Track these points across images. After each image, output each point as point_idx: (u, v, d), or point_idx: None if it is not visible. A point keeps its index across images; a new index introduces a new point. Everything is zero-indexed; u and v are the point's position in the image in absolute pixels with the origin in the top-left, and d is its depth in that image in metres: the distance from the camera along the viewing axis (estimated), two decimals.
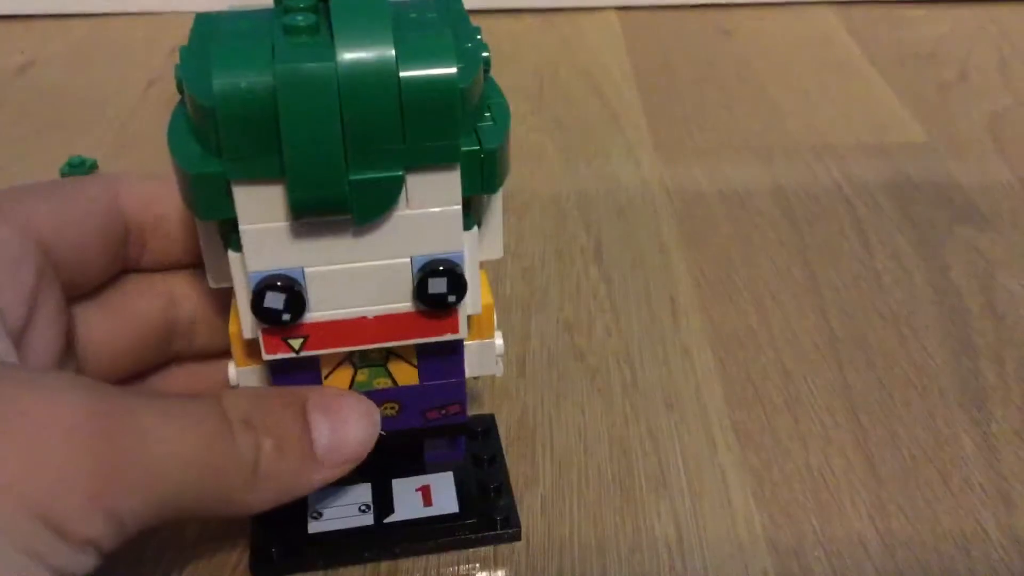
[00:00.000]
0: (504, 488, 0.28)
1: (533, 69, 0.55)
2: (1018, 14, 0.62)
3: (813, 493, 0.28)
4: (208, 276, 0.24)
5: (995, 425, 0.31)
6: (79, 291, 0.25)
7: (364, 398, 0.24)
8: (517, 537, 0.27)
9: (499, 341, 0.26)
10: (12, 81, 0.55)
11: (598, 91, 0.53)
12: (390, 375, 0.25)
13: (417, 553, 0.26)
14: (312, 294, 0.22)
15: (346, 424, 0.23)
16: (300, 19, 0.19)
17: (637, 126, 0.49)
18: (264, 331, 0.22)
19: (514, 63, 0.55)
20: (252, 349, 0.24)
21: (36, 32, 0.60)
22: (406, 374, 0.25)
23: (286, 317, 0.21)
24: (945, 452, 0.30)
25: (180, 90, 0.21)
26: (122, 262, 0.26)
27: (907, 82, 0.54)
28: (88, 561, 0.19)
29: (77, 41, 0.59)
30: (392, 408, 0.25)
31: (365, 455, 0.23)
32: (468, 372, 0.25)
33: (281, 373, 0.24)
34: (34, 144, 0.48)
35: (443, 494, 0.27)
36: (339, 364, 0.24)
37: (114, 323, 0.26)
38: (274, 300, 0.21)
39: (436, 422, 0.26)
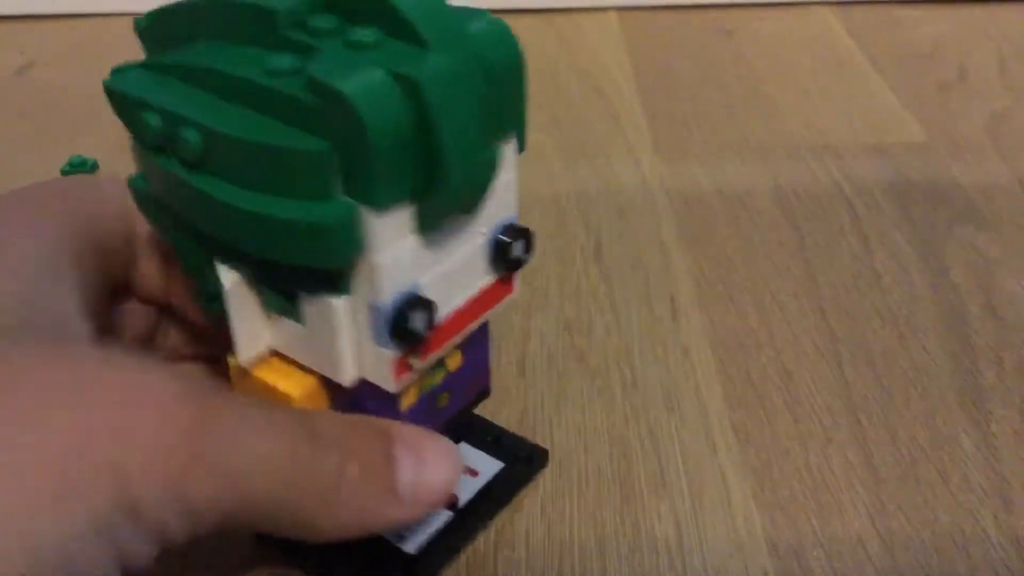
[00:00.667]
0: (503, 433, 0.29)
1: (533, 69, 0.55)
2: (1018, 14, 0.62)
3: (813, 493, 0.28)
4: (240, 351, 0.22)
5: (995, 425, 0.31)
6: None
7: (447, 440, 0.23)
8: (547, 458, 0.29)
9: None
10: (12, 81, 0.55)
11: (598, 91, 0.53)
12: (444, 365, 0.24)
13: (498, 513, 0.28)
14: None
15: (431, 465, 0.22)
16: (367, 34, 0.19)
17: (637, 126, 0.49)
18: (397, 359, 0.21)
19: None
20: (313, 402, 0.23)
21: (36, 32, 0.60)
22: (455, 359, 0.24)
23: (427, 333, 0.21)
24: (945, 452, 0.30)
25: (191, 155, 0.19)
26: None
27: (907, 82, 0.54)
28: (149, 551, 0.19)
29: (77, 41, 0.59)
30: (445, 398, 0.25)
31: (444, 500, 0.22)
32: None
33: (362, 402, 0.23)
34: (34, 144, 0.48)
35: (479, 462, 0.28)
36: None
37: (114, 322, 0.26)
38: (418, 320, 0.20)
39: (471, 396, 0.26)
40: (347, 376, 0.22)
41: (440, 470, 0.22)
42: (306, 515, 0.20)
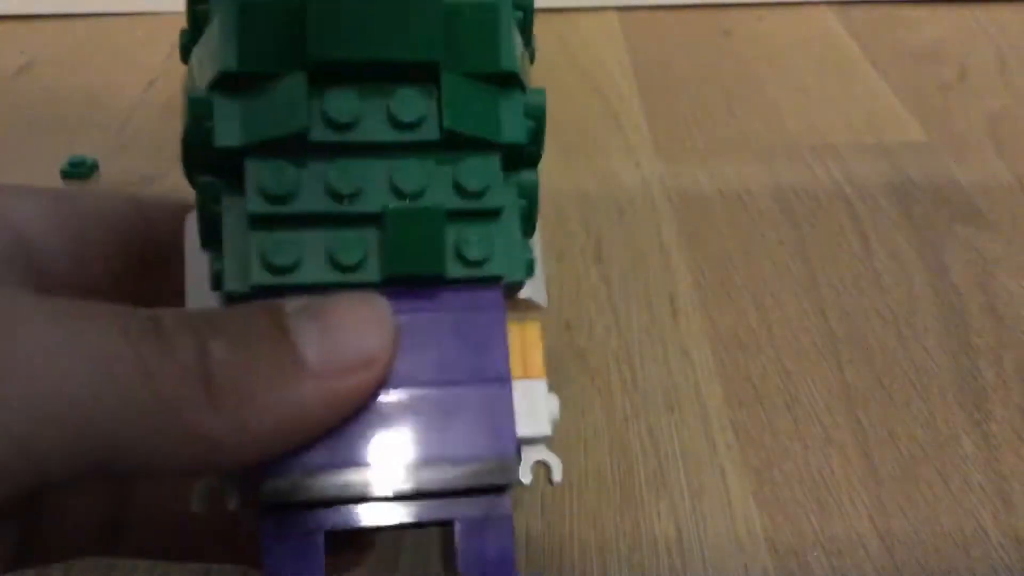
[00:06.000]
0: None
1: (533, 69, 0.55)
2: (1018, 14, 0.62)
3: (813, 493, 0.28)
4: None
5: (995, 425, 0.31)
6: None
7: (370, 295, 0.17)
8: None
9: None
10: (12, 81, 0.55)
11: (598, 91, 0.53)
12: None
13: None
14: None
15: (345, 325, 0.16)
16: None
17: (637, 126, 0.49)
18: None
19: None
20: None
21: (36, 32, 0.60)
22: None
23: None
24: (945, 452, 0.30)
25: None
26: (131, 295, 0.21)
27: (907, 82, 0.54)
28: None
29: (77, 41, 0.59)
30: None
31: (383, 360, 0.16)
32: None
33: None
34: (34, 144, 0.48)
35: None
36: None
37: None
38: None
39: None
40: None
41: (360, 330, 0.16)
42: (178, 421, 0.14)
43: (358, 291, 0.17)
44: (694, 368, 0.33)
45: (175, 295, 0.20)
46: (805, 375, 0.33)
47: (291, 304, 0.16)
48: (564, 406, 0.32)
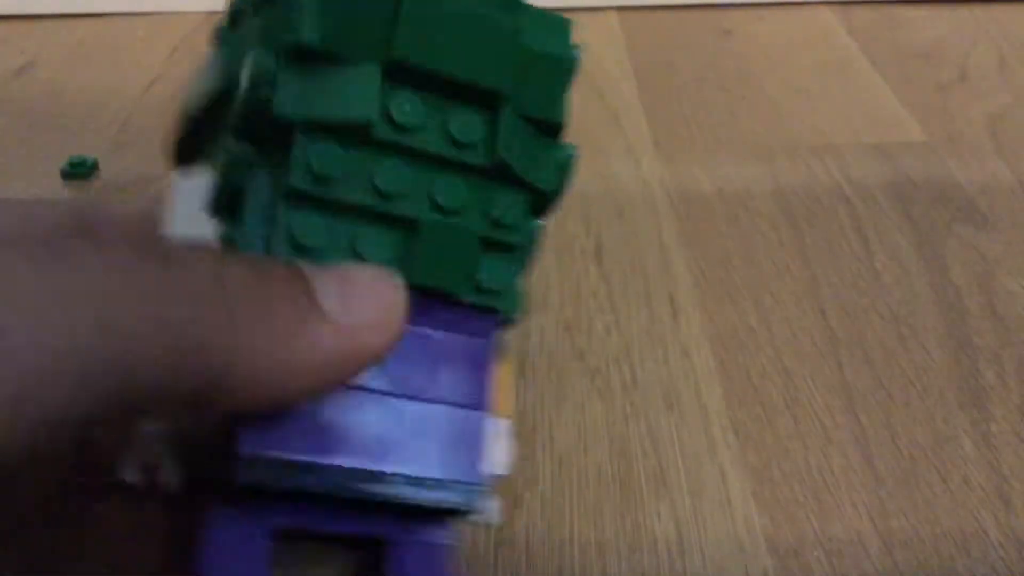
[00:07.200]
0: None
1: None
2: (1018, 14, 0.62)
3: (813, 493, 0.28)
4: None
5: (995, 425, 0.31)
6: None
7: (388, 270, 0.17)
8: None
9: None
10: (12, 81, 0.55)
11: (598, 91, 0.53)
12: None
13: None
14: None
15: (363, 285, 0.16)
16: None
17: (637, 126, 0.49)
18: None
19: None
20: None
21: (37, 32, 0.60)
22: None
23: None
24: (945, 452, 0.30)
25: None
26: None
27: (907, 82, 0.54)
28: None
29: (77, 41, 0.59)
30: None
31: (396, 327, 0.16)
32: None
33: None
34: (34, 144, 0.48)
35: None
36: None
37: None
38: None
39: None
40: None
41: (376, 293, 0.16)
42: (201, 344, 0.14)
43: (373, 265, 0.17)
44: (694, 368, 0.33)
45: None
46: (805, 375, 0.33)
47: (308, 265, 0.16)
48: (564, 405, 0.32)
